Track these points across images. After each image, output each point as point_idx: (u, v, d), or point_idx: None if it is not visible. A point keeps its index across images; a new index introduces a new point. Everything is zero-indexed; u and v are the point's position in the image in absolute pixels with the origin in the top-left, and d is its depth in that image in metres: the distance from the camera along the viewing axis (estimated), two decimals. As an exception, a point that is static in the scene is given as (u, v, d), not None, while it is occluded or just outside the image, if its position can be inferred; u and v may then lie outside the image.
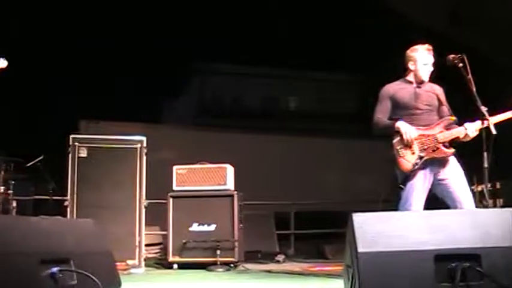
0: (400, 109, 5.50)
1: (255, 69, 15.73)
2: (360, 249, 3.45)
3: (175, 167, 8.26)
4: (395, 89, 5.57)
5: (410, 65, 5.54)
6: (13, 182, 8.39)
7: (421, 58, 5.49)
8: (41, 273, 3.26)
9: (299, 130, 15.40)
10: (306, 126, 15.90)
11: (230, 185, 8.12)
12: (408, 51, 5.57)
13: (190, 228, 7.90)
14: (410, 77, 5.57)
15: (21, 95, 11.01)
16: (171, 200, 8.03)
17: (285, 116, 16.41)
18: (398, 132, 5.37)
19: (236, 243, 7.79)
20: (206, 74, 16.00)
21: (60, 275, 3.33)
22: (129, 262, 7.45)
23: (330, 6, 13.86)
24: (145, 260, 7.85)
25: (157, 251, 9.68)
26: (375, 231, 3.54)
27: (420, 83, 5.52)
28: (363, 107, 15.86)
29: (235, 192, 8.01)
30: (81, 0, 12.33)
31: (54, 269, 3.32)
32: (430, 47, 5.51)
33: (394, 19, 12.94)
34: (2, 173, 8.26)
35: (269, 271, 7.52)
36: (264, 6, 13.79)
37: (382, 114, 5.57)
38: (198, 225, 7.89)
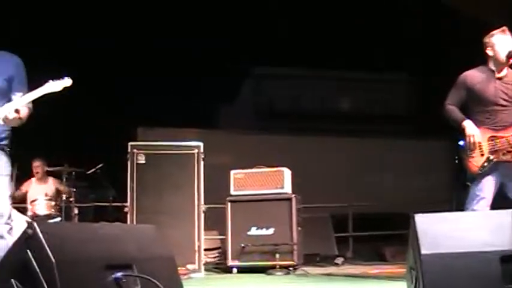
0: (476, 103, 5.28)
1: (310, 71, 15.68)
2: (423, 251, 3.38)
3: (232, 172, 8.30)
4: (475, 80, 5.30)
5: (489, 51, 5.27)
6: (74, 190, 8.60)
7: (498, 41, 5.22)
8: (106, 278, 3.30)
9: (354, 131, 15.30)
10: (361, 128, 15.79)
11: (288, 188, 8.11)
12: (485, 38, 5.30)
13: (249, 232, 7.92)
14: (491, 65, 5.30)
15: (79, 107, 11.24)
16: (229, 204, 8.08)
17: (340, 118, 16.31)
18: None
19: (295, 247, 7.78)
20: (260, 77, 16.03)
21: (124, 280, 3.36)
22: (189, 267, 7.50)
23: (383, 7, 13.74)
24: (204, 264, 7.89)
25: (216, 255, 9.74)
26: (438, 232, 3.47)
27: (501, 69, 5.25)
28: (417, 108, 15.68)
29: (293, 195, 7.99)
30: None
31: (119, 274, 3.35)
32: (505, 28, 5.26)
33: (451, 17, 12.73)
34: (65, 181, 8.49)
35: (329, 274, 7.49)
36: (318, 8, 13.75)
37: (453, 101, 5.35)
38: (257, 229, 7.91)
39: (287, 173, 8.20)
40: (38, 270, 3.10)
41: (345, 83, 16.64)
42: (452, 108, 5.37)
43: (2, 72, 4.74)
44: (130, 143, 7.84)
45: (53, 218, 8.28)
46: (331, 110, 16.59)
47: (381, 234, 11.41)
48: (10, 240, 4.45)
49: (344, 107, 17.05)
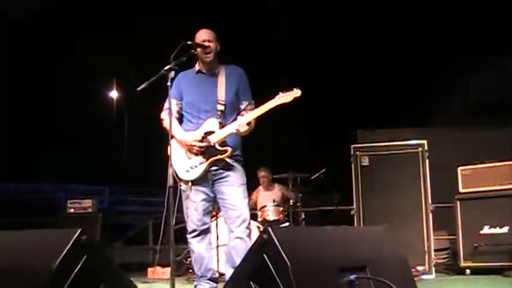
0: None
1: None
2: None
3: (459, 168, 7.95)
4: None
5: None
6: (300, 195, 8.84)
7: None
8: (340, 281, 3.33)
9: None
10: None
11: (522, 183, 7.61)
12: None
13: (481, 232, 7.54)
14: None
15: (299, 116, 11.51)
16: (458, 203, 7.76)
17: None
18: None
19: (533, 246, 7.28)
20: (473, 70, 15.31)
21: (357, 283, 3.37)
22: (419, 268, 7.35)
23: None
24: (434, 265, 7.67)
25: (445, 256, 9.42)
26: None
27: None
28: None
29: (528, 190, 7.50)
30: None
31: (352, 277, 3.36)
32: None
33: None
34: (290, 187, 8.76)
35: None
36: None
37: None
38: (489, 227, 7.51)
39: (519, 166, 7.70)
40: (274, 273, 3.20)
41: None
42: None
43: (230, 87, 5.06)
44: (352, 146, 7.87)
45: (282, 223, 8.54)
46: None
47: None
48: (248, 243, 4.68)
49: None
